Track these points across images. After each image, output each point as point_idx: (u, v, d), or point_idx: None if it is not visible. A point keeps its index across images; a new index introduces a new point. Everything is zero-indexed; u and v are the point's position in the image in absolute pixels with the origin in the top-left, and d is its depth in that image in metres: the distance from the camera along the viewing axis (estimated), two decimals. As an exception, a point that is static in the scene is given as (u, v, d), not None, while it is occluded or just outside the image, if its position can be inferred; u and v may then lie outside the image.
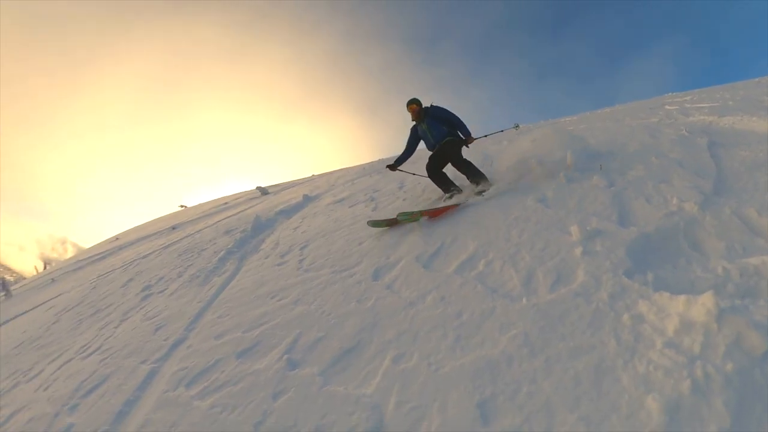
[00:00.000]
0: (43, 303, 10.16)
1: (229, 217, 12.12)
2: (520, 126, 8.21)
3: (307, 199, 10.23)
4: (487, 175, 5.61)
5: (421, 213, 4.83)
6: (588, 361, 2.06)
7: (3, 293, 14.45)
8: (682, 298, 2.15)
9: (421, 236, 4.44)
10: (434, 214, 4.82)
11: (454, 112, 5.78)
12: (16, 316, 10.08)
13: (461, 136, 5.81)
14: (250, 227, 8.22)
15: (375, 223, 5.10)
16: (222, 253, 6.98)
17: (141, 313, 5.49)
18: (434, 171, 5.85)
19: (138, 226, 21.79)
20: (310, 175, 19.40)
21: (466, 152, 6.10)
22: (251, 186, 16.71)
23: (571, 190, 4.48)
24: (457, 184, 5.85)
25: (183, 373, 3.27)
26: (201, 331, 4.01)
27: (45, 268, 20.72)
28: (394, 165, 6.24)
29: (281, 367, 2.87)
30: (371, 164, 14.89)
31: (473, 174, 5.59)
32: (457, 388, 2.16)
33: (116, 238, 19.27)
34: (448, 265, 3.59)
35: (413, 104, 5.88)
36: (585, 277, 2.74)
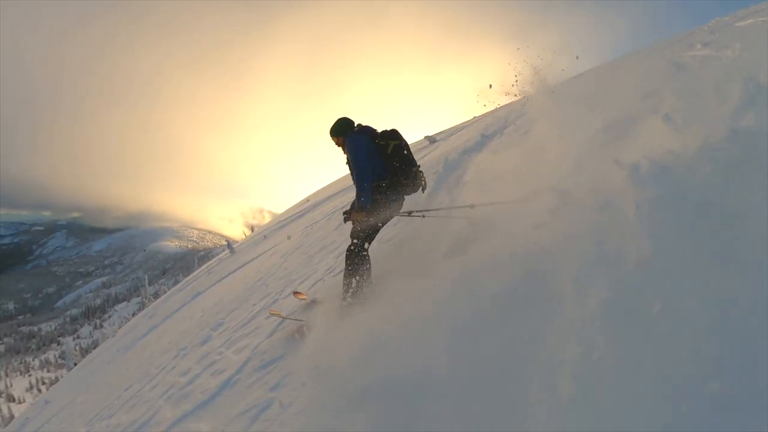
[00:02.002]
0: (265, 252, 11.36)
1: (409, 167, 12.13)
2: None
3: (486, 137, 9.58)
4: None
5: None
6: None
7: (228, 251, 16.86)
8: None
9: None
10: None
11: (360, 155, 3.68)
12: (245, 264, 11.48)
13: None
14: (442, 167, 7.93)
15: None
16: (429, 187, 6.80)
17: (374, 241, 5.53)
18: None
19: (322, 188, 23.49)
20: (471, 117, 18.52)
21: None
22: (417, 137, 16.58)
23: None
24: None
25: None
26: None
27: (252, 231, 23.66)
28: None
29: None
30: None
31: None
32: None
33: (307, 199, 20.97)
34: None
35: (332, 136, 4.03)
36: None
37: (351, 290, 3.70)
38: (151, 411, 4.18)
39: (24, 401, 58.70)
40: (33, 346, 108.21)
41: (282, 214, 22.05)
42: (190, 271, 23.59)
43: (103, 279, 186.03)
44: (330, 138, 4.06)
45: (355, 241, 3.76)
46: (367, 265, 3.76)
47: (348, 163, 3.84)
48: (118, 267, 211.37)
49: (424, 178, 4.04)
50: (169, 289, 23.27)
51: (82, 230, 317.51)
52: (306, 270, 6.04)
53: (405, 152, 3.84)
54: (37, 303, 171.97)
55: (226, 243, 18.87)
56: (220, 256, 19.83)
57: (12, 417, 45.41)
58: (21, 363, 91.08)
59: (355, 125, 3.96)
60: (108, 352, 13.08)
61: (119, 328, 23.50)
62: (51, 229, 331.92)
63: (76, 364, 20.12)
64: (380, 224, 3.86)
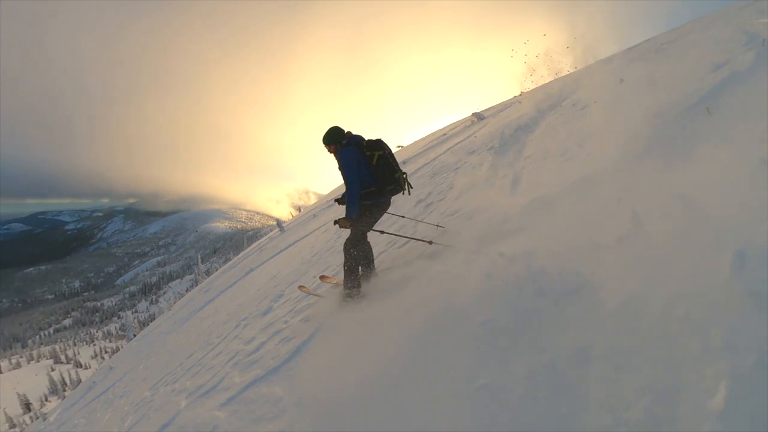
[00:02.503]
0: (317, 229, 11.29)
1: (459, 143, 11.69)
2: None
3: (542, 113, 9.03)
4: None
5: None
6: None
7: (278, 229, 17.04)
8: None
9: None
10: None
11: (350, 170, 3.93)
12: (296, 241, 11.48)
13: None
14: (498, 143, 7.51)
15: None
16: (488, 162, 6.49)
17: (437, 212, 5.30)
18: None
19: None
20: (518, 93, 17.74)
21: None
22: (463, 114, 15.95)
23: None
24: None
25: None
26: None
27: (299, 211, 23.87)
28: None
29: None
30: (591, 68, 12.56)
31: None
32: None
33: (352, 180, 20.95)
34: None
35: (324, 144, 4.28)
36: None
37: (354, 281, 4.01)
38: (218, 376, 4.13)
39: (90, 367, 62.80)
40: (96, 319, 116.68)
41: (329, 193, 22.11)
42: (240, 249, 24.14)
43: (158, 258, 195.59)
44: (323, 145, 4.28)
45: (354, 233, 4.11)
46: (369, 256, 4.12)
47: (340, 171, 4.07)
48: (172, 247, 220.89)
49: (408, 181, 4.25)
50: (220, 267, 23.88)
51: (138, 214, 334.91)
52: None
53: (389, 161, 4.08)
54: (100, 281, 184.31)
55: (275, 223, 19.11)
56: (269, 234, 20.11)
57: (79, 381, 48.71)
58: (86, 334, 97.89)
59: (345, 133, 4.18)
60: (166, 324, 13.49)
61: (174, 302, 24.38)
62: (110, 214, 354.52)
63: (135, 335, 21.08)
64: (373, 221, 4.25)
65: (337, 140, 4.14)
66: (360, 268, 4.04)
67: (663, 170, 2.79)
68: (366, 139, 4.16)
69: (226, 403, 3.35)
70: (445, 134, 16.55)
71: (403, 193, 4.24)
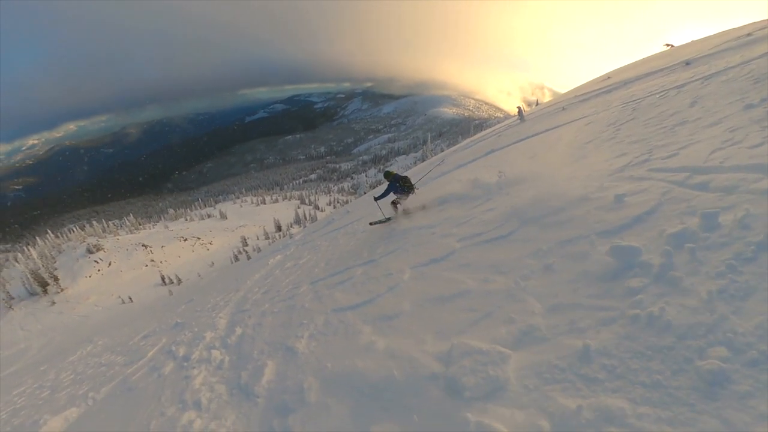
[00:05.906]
0: (572, 121, 9.91)
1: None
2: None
3: None
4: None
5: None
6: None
7: (519, 119, 15.88)
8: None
9: None
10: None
11: (386, 192, 7.89)
12: (544, 131, 10.33)
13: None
14: None
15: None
16: None
17: None
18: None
19: (625, 66, 19.64)
20: None
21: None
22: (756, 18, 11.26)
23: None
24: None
25: None
26: None
27: (536, 105, 21.88)
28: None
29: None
30: None
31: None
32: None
33: (608, 76, 17.94)
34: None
35: (384, 177, 8.17)
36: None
37: (394, 213, 7.99)
38: (502, 230, 3.80)
39: (325, 210, 75.97)
40: (334, 177, 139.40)
41: (580, 88, 19.45)
42: (465, 136, 23.93)
43: (389, 135, 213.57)
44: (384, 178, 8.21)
45: (392, 203, 8.09)
46: (397, 209, 8.03)
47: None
48: (402, 127, 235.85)
49: (414, 186, 8.13)
50: (446, 149, 24.15)
51: (374, 96, 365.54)
52: (671, 139, 4.69)
53: (407, 185, 7.93)
54: (340, 149, 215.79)
55: (502, 115, 17.84)
56: (508, 122, 19.10)
57: (316, 218, 59.36)
58: (325, 187, 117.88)
59: (393, 173, 7.97)
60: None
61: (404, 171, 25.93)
62: (350, 96, 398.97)
63: (365, 193, 23.48)
64: (399, 202, 8.08)
65: (389, 177, 7.84)
66: (395, 209, 8.02)
67: None
68: (400, 175, 7.92)
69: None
70: (749, 34, 12.35)
71: (414, 192, 8.04)
